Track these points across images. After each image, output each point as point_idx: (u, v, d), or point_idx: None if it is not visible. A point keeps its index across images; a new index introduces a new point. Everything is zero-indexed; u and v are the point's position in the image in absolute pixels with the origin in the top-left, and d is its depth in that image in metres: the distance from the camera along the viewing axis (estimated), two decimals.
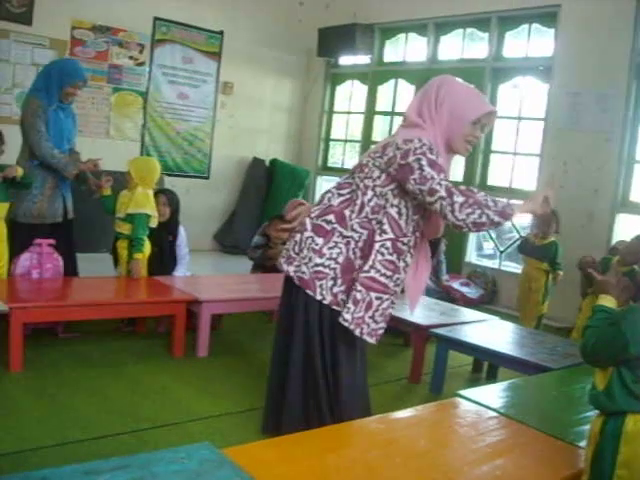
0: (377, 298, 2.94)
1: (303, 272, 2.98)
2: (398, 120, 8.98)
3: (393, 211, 2.92)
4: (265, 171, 9.44)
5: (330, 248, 2.95)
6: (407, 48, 8.89)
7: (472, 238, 7.93)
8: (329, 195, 3.05)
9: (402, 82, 8.89)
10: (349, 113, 9.79)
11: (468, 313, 5.21)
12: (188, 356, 4.57)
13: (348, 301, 2.91)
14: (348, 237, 2.95)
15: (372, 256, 2.92)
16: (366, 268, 2.92)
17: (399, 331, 5.14)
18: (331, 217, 2.98)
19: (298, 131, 10.07)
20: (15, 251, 4.72)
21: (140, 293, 4.77)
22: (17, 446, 3.05)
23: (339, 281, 2.95)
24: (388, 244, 2.93)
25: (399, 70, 8.92)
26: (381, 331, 3.04)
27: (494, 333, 4.51)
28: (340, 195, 3.02)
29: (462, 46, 8.22)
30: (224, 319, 5.29)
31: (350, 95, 9.77)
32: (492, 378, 4.70)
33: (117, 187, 5.07)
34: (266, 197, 9.28)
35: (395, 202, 2.92)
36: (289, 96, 9.88)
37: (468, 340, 4.24)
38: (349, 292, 2.94)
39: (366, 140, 9.19)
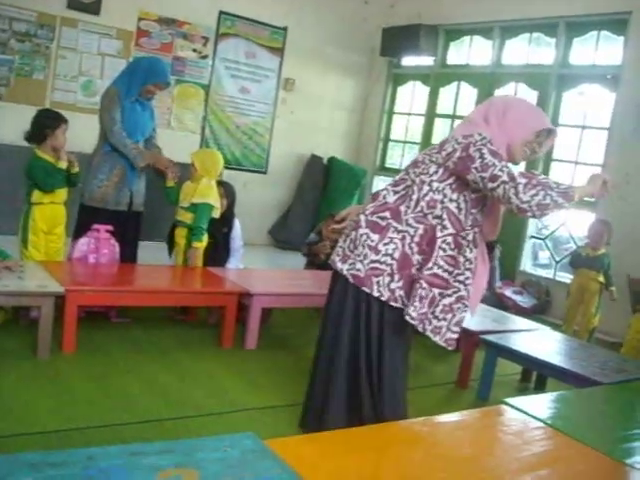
0: (439, 294, 2.93)
1: (358, 269, 2.97)
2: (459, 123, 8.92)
3: (452, 206, 2.92)
4: (322, 169, 9.46)
5: (386, 244, 2.95)
6: (471, 51, 8.81)
7: (527, 246, 7.82)
8: (384, 192, 3.05)
9: (465, 85, 8.82)
10: (409, 114, 9.75)
11: (519, 321, 5.15)
12: (236, 348, 4.60)
13: (413, 298, 2.90)
14: (403, 232, 2.94)
15: (435, 252, 2.91)
16: (429, 265, 2.91)
17: None
18: (386, 213, 2.98)
19: (357, 130, 10.05)
20: (76, 232, 4.84)
21: (193, 283, 4.83)
22: (65, 425, 3.11)
23: (396, 277, 2.94)
24: (449, 239, 2.92)
25: (462, 73, 8.84)
26: (452, 335, 2.99)
27: (545, 343, 4.45)
28: (395, 192, 3.02)
29: (527, 51, 8.11)
30: (274, 313, 5.31)
31: (411, 96, 9.73)
32: (540, 388, 4.63)
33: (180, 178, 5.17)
34: (322, 195, 9.30)
35: (454, 197, 2.92)
36: (350, 95, 9.88)
37: (518, 349, 4.19)
38: (409, 288, 2.93)
39: (426, 142, 9.12)
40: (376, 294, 2.95)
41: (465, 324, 4.47)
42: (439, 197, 2.92)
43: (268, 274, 5.78)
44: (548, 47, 7.85)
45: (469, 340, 4.50)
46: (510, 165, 2.87)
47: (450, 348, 3.02)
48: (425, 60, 9.25)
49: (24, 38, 7.29)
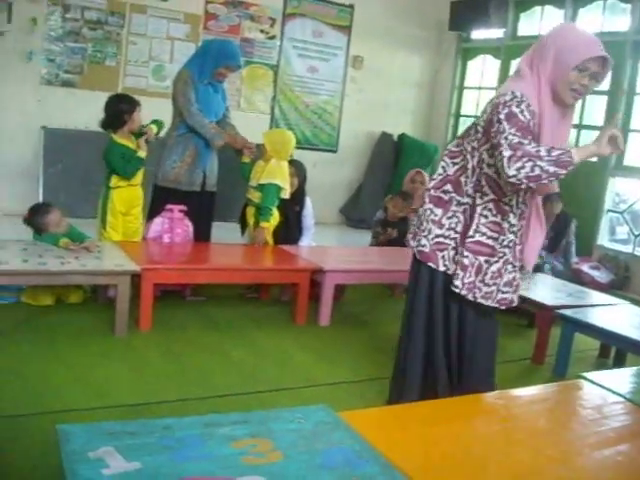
0: (486, 261, 2.88)
1: (423, 245, 2.95)
2: None
3: (490, 171, 2.82)
4: (393, 146, 9.38)
5: (449, 218, 2.91)
6: (543, 21, 8.56)
7: (605, 220, 7.62)
8: (443, 164, 2.99)
9: None
10: (480, 89, 9.56)
11: (597, 296, 5.03)
12: (310, 324, 4.63)
13: (457, 267, 2.87)
14: (465, 204, 2.90)
15: (475, 220, 2.86)
16: (470, 233, 2.86)
17: (524, 311, 5.02)
18: (448, 186, 2.94)
19: (427, 106, 9.93)
20: (150, 212, 4.94)
21: (266, 260, 4.87)
22: (143, 399, 3.19)
23: (460, 249, 2.90)
24: (490, 205, 2.85)
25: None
26: (503, 295, 2.94)
27: (624, 318, 4.33)
28: (454, 164, 2.96)
29: (601, 19, 7.85)
30: (346, 290, 5.32)
31: (482, 70, 9.55)
32: (619, 364, 4.51)
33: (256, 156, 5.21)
34: (393, 172, 9.22)
35: (492, 161, 2.80)
36: (419, 70, 9.75)
37: (596, 323, 4.09)
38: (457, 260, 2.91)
39: None
40: (442, 268, 2.93)
41: (540, 299, 4.45)
42: (479, 162, 2.85)
43: (340, 251, 5.79)
44: (623, 14, 7.58)
45: (545, 315, 4.42)
46: (518, 134, 2.62)
47: (503, 307, 2.97)
48: (495, 33, 9.05)
49: (96, 26, 7.44)
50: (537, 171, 2.54)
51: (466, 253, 2.86)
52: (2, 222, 6.59)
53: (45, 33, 7.19)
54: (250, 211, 5.08)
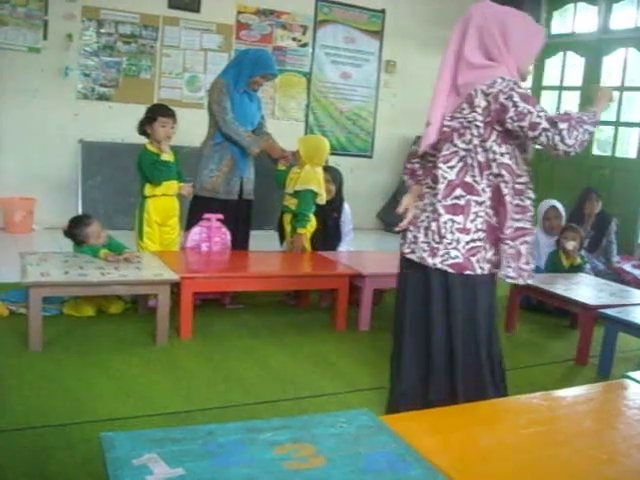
0: (522, 243, 2.85)
1: (455, 257, 2.86)
2: (567, 95, 8.65)
3: (505, 159, 2.80)
4: None
5: (472, 221, 2.85)
6: (576, 18, 8.49)
7: None
8: (441, 172, 2.88)
9: (571, 54, 8.52)
10: None
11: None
12: (350, 330, 4.63)
13: (506, 260, 2.84)
14: (482, 202, 2.85)
15: (508, 210, 2.82)
16: (509, 224, 2.83)
17: (566, 312, 4.97)
18: (459, 191, 2.86)
19: None
20: (189, 222, 4.98)
21: (304, 267, 4.87)
22: (186, 406, 3.21)
23: (488, 246, 2.88)
24: (512, 191, 2.82)
25: (568, 42, 8.53)
26: (529, 267, 2.92)
27: None
28: (451, 167, 2.87)
29: (636, 14, 7.74)
30: (386, 294, 5.30)
31: None
32: None
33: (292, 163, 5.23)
34: None
35: (503, 150, 2.80)
36: None
37: None
38: (499, 250, 2.88)
39: None
40: (479, 271, 2.88)
41: (582, 299, 4.40)
42: (491, 155, 2.81)
43: (379, 256, 5.77)
44: None
45: (587, 315, 4.36)
46: (543, 107, 2.76)
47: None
48: None
49: (129, 40, 7.54)
50: (587, 135, 2.69)
51: (511, 243, 2.83)
52: (43, 235, 6.71)
53: (80, 48, 7.31)
54: (287, 218, 5.10)
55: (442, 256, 2.86)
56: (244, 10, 8.07)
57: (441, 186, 2.87)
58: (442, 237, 2.86)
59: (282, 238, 5.27)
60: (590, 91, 3.01)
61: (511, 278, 2.86)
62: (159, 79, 7.75)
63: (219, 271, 4.51)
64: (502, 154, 2.80)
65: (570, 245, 5.38)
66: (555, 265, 5.44)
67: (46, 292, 3.81)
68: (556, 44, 8.65)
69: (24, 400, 3.15)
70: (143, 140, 4.79)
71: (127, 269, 4.08)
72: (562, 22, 8.74)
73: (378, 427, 2.11)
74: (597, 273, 5.85)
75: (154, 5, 7.60)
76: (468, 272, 2.88)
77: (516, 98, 2.69)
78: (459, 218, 2.85)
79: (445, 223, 2.85)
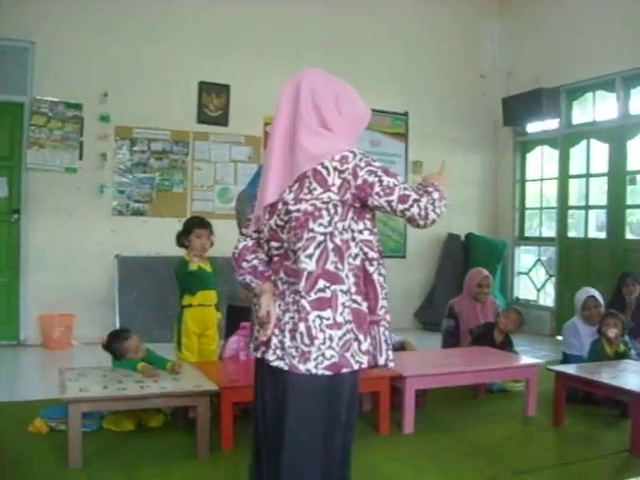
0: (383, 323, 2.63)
1: (331, 357, 2.45)
2: (594, 182, 8.68)
3: (365, 235, 2.58)
4: (461, 246, 9.40)
5: (341, 313, 2.50)
6: (596, 106, 8.60)
7: None
8: (302, 265, 2.49)
9: (594, 142, 8.58)
10: (542, 180, 9.56)
11: None
12: (393, 433, 4.52)
13: (385, 343, 2.60)
14: (347, 290, 2.53)
15: (377, 288, 2.60)
16: (381, 304, 2.61)
17: (615, 401, 4.82)
18: (321, 282, 2.48)
19: (491, 203, 9.95)
20: (227, 332, 5.00)
21: None
22: None
23: (361, 337, 2.56)
24: (378, 269, 2.61)
25: (590, 130, 8.60)
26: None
27: None
28: (310, 256, 2.48)
29: None
30: (428, 394, 5.20)
31: (541, 161, 9.57)
32: None
33: None
34: (464, 272, 9.14)
35: (361, 227, 2.56)
36: (479, 169, 9.83)
37: None
38: (373, 337, 2.59)
39: (562, 206, 8.90)
40: (356, 367, 2.52)
41: (630, 386, 4.27)
42: (349, 235, 2.54)
43: (418, 355, 5.69)
44: None
45: (637, 402, 4.22)
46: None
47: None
48: (550, 123, 9.12)
49: (161, 156, 7.78)
50: (444, 206, 2.61)
51: (384, 323, 2.61)
52: (82, 350, 6.74)
53: (114, 167, 7.56)
54: None
55: (315, 359, 2.44)
56: (271, 121, 8.24)
57: (302, 279, 2.49)
58: (313, 338, 2.45)
59: None
60: (439, 166, 2.94)
61: (392, 361, 2.62)
62: (191, 192, 7.95)
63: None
64: (360, 231, 2.57)
65: (612, 332, 5.28)
66: (599, 354, 5.32)
67: (85, 407, 3.80)
68: (579, 133, 8.74)
69: None
70: (178, 252, 4.85)
71: (166, 381, 4.06)
72: (582, 111, 8.84)
73: None
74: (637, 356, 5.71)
75: (184, 121, 7.89)
76: (345, 370, 2.50)
77: (380, 172, 2.50)
78: (327, 313, 2.47)
79: (314, 321, 2.45)
